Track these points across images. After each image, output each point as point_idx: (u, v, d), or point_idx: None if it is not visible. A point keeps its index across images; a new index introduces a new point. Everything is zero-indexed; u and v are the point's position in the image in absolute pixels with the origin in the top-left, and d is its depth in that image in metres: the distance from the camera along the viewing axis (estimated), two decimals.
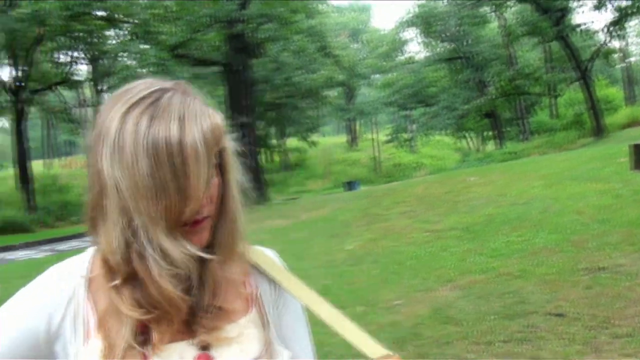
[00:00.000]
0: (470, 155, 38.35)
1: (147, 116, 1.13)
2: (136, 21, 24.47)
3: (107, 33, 27.80)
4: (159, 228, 1.14)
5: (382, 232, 12.43)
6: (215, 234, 1.25)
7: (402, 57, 44.43)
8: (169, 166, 1.12)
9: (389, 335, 6.02)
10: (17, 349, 1.23)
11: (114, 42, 28.28)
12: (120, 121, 1.13)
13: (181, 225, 1.16)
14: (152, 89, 1.17)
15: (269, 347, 1.32)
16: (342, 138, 55.61)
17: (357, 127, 54.09)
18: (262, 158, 37.13)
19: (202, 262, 1.21)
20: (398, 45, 44.27)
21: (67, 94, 35.14)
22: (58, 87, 30.73)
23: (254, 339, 1.30)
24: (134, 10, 24.44)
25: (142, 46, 25.41)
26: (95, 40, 28.12)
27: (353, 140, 52.06)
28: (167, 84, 1.20)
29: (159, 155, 1.11)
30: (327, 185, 34.35)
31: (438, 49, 40.67)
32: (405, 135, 42.12)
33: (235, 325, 1.29)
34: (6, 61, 27.77)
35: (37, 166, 45.21)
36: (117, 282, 1.19)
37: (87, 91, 32.26)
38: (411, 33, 42.49)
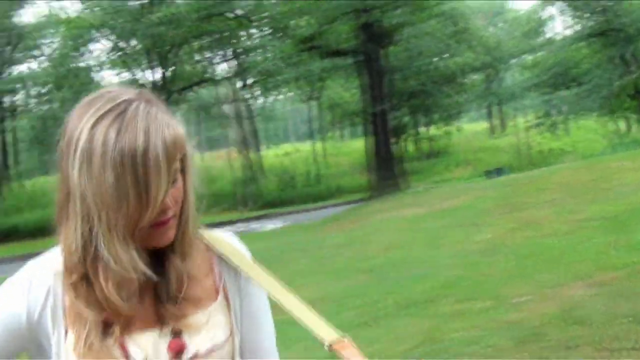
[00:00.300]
0: (622, 138, 36.08)
1: (115, 128, 1.21)
2: (269, 18, 24.88)
3: (242, 32, 28.43)
4: (116, 235, 1.23)
5: (521, 222, 11.86)
6: (177, 231, 1.34)
7: (544, 37, 42.45)
8: (132, 177, 1.20)
9: (510, 334, 5.67)
10: (3, 341, 1.33)
11: (253, 40, 28.91)
12: (90, 132, 1.22)
13: (146, 228, 1.26)
14: (119, 100, 1.25)
15: (234, 332, 1.43)
16: (484, 124, 54.00)
17: (500, 112, 52.32)
18: (403, 146, 36.74)
19: (165, 257, 1.33)
20: (539, 24, 42.33)
21: (209, 91, 36.40)
22: (200, 85, 31.92)
23: (221, 324, 1.41)
24: (266, 7, 24.88)
25: (275, 42, 25.83)
26: (234, 40, 28.84)
27: (499, 126, 50.43)
28: (132, 93, 1.28)
29: (124, 167, 1.19)
30: (469, 172, 33.47)
31: (584, 25, 38.42)
32: (552, 120, 40.18)
33: (203, 312, 1.39)
34: (149, 64, 29.13)
35: None
36: (73, 280, 1.29)
37: (228, 88, 33.27)
38: (553, 10, 40.52)
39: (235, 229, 23.85)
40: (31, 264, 1.38)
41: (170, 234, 1.31)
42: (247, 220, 25.65)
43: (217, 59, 32.08)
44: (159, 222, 1.28)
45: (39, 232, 26.21)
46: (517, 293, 7.11)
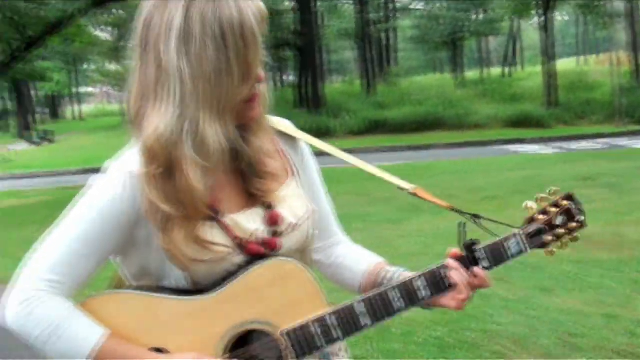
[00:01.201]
0: None
1: (210, 5, 1.28)
2: None
3: None
4: (216, 111, 1.30)
5: None
6: None
7: None
8: (234, 48, 1.28)
9: None
10: (102, 231, 1.36)
11: None
12: (184, 12, 1.28)
13: (243, 102, 1.35)
14: None
15: (309, 202, 1.55)
16: None
17: None
18: None
19: (244, 138, 1.40)
20: None
21: None
22: None
23: (300, 196, 1.53)
24: None
25: None
26: None
27: None
28: None
29: (225, 39, 1.27)
30: None
31: None
32: None
33: (285, 186, 1.51)
34: None
35: (569, 63, 44.33)
36: (153, 170, 1.32)
37: None
38: None
39: (595, 144, 22.02)
40: (119, 164, 1.39)
41: (260, 109, 1.41)
42: (620, 135, 23.55)
43: None
44: (252, 96, 1.37)
45: (404, 127, 27.44)
46: None
